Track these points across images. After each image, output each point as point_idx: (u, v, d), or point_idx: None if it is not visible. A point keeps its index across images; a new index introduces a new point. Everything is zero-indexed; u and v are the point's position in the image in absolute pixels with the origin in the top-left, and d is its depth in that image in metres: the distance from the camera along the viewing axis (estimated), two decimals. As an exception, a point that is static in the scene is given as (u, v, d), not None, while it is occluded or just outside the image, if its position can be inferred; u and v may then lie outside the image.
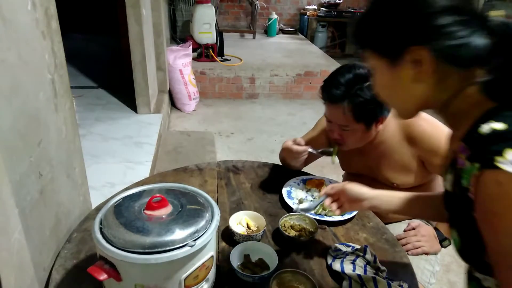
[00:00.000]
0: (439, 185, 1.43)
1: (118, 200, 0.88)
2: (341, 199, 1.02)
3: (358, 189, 1.00)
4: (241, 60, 4.71)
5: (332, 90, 1.17)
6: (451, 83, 0.65)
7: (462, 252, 0.70)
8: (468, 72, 0.64)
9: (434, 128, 1.21)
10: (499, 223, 0.57)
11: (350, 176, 1.50)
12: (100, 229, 0.80)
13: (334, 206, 1.02)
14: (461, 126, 0.65)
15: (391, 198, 0.99)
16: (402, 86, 0.69)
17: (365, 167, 1.39)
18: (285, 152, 1.34)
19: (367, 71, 1.15)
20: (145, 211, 0.82)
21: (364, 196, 0.99)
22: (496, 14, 0.64)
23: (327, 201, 1.03)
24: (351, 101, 1.14)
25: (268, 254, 1.00)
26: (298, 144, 1.28)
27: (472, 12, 0.62)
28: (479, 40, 0.61)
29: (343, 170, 1.55)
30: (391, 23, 0.66)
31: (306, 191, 1.34)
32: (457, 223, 0.69)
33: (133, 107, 3.14)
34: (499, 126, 0.57)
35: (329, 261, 1.02)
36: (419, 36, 0.63)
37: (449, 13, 0.61)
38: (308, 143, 1.46)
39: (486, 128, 0.58)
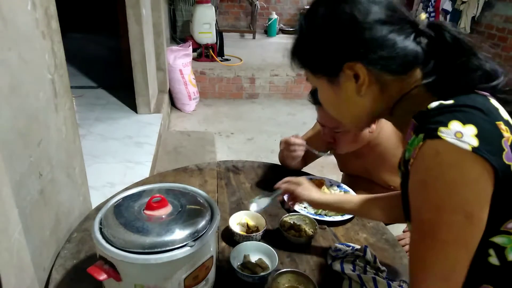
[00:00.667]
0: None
1: (118, 200, 0.88)
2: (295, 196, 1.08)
3: (308, 195, 1.04)
4: (241, 60, 4.71)
5: None
6: (394, 89, 0.66)
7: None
8: (408, 75, 0.65)
9: None
10: (426, 194, 0.56)
11: (348, 177, 1.51)
12: (100, 229, 0.80)
13: (290, 202, 1.11)
14: (410, 126, 0.65)
15: (342, 205, 1.02)
16: (347, 100, 0.69)
17: (362, 169, 1.39)
18: (284, 146, 1.34)
19: None
20: (145, 211, 0.82)
21: (313, 202, 1.05)
22: (424, 18, 0.65)
23: (283, 197, 1.12)
24: None
25: (268, 254, 1.00)
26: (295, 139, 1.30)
27: (402, 20, 0.64)
28: (411, 46, 0.63)
29: (341, 171, 1.56)
30: (324, 43, 0.67)
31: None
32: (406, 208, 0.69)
33: (133, 107, 3.14)
34: (447, 102, 0.58)
35: (329, 261, 1.02)
36: (352, 52, 0.64)
37: (378, 25, 0.62)
38: (308, 142, 1.46)
39: (434, 103, 0.59)
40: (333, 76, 0.68)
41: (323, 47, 0.67)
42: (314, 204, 1.06)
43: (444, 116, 0.56)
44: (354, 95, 0.67)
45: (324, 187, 1.35)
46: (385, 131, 1.27)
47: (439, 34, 0.64)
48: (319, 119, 1.29)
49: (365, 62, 0.63)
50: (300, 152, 1.33)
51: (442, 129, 0.54)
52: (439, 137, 0.54)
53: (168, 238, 0.76)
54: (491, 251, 0.60)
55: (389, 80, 0.65)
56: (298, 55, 0.73)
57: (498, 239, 0.58)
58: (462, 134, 0.53)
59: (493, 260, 0.60)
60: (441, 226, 0.55)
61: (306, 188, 1.05)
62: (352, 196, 1.06)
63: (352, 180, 1.46)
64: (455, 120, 0.54)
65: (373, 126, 1.24)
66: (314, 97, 1.21)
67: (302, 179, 1.08)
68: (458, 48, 0.63)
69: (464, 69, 0.62)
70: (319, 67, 0.70)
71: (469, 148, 0.52)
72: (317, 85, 0.74)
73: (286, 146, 1.32)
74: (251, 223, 1.13)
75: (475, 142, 0.52)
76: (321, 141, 1.43)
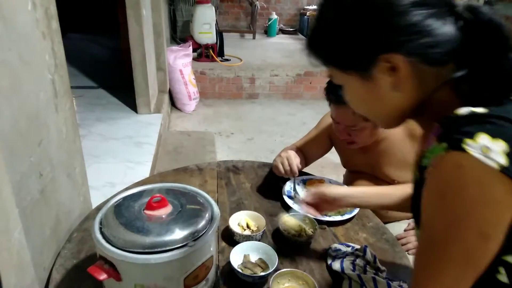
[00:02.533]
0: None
1: (118, 200, 0.88)
2: (320, 204, 1.04)
3: (336, 190, 1.02)
4: (241, 60, 4.71)
5: (338, 92, 1.16)
6: (428, 84, 0.60)
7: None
8: (443, 69, 0.58)
9: None
10: (442, 206, 0.52)
11: (351, 174, 1.51)
12: (100, 229, 0.80)
13: (312, 211, 1.05)
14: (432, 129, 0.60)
15: (370, 195, 1.02)
16: (381, 97, 0.62)
17: (366, 164, 1.39)
18: (281, 158, 1.32)
19: None
20: (145, 211, 0.82)
21: (343, 195, 1.02)
22: None
23: (305, 207, 1.06)
24: None
25: (268, 254, 1.00)
26: (290, 163, 1.27)
27: (439, 2, 0.57)
28: (452, 31, 0.56)
29: (344, 167, 1.55)
30: (354, 34, 0.59)
31: (306, 191, 1.34)
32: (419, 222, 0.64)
33: (133, 107, 3.14)
34: (479, 110, 0.53)
35: (329, 261, 1.02)
36: (388, 41, 0.57)
37: (416, 9, 0.55)
38: (310, 142, 1.47)
39: (464, 110, 0.53)
40: (366, 71, 0.60)
41: (354, 38, 0.59)
42: (348, 199, 1.01)
43: (472, 126, 0.50)
44: (390, 90, 0.60)
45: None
46: None
47: (478, 18, 0.56)
48: (334, 117, 1.26)
49: (404, 52, 0.56)
50: (285, 174, 1.30)
51: (468, 141, 0.49)
52: (463, 150, 0.49)
53: (168, 238, 0.76)
54: (501, 269, 0.56)
55: (427, 72, 0.58)
56: (321, 49, 0.65)
57: (511, 258, 0.55)
58: (489, 149, 0.48)
59: (502, 278, 0.56)
60: (453, 241, 0.52)
61: (332, 187, 1.03)
62: (387, 189, 1.03)
63: (355, 176, 1.46)
64: (484, 132, 0.49)
65: None
66: (334, 95, 1.18)
67: (324, 187, 1.05)
68: (497, 37, 0.55)
69: (501, 66, 0.55)
70: (349, 62, 0.62)
71: (496, 166, 0.47)
72: (345, 83, 0.66)
73: (283, 159, 1.30)
74: (251, 223, 1.13)
75: (504, 161, 0.47)
76: (328, 137, 1.44)
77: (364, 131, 1.22)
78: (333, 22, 0.61)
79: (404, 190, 0.99)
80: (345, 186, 1.02)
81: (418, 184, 0.60)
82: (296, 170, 1.27)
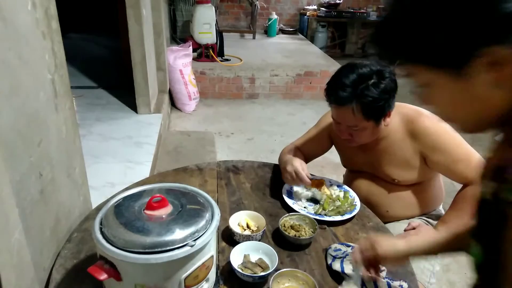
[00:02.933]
0: (439, 183, 1.44)
1: (118, 200, 0.88)
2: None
3: (390, 246, 0.86)
4: (241, 60, 4.70)
5: (338, 93, 1.16)
6: None
7: (482, 270, 0.58)
8: None
9: (437, 125, 1.22)
10: None
11: (351, 173, 1.51)
12: (100, 229, 0.80)
13: (372, 273, 0.91)
14: None
15: (428, 244, 0.86)
16: (477, 97, 0.53)
17: (366, 163, 1.39)
18: (288, 172, 1.30)
19: (369, 69, 1.15)
20: (145, 211, 0.82)
21: (400, 252, 0.87)
22: None
23: (363, 272, 0.92)
24: (359, 102, 1.14)
25: (268, 254, 1.00)
26: (300, 177, 1.25)
27: None
28: None
29: (344, 167, 1.55)
30: (450, 26, 0.50)
31: (306, 191, 1.34)
32: (484, 236, 0.56)
33: (133, 107, 3.14)
34: None
35: (329, 261, 1.02)
36: (492, 32, 0.48)
37: None
38: (310, 141, 1.46)
39: None
40: (461, 68, 0.51)
41: (450, 29, 0.50)
42: (401, 257, 0.88)
43: None
44: (489, 89, 0.52)
45: (324, 187, 1.35)
46: (392, 124, 1.27)
47: None
48: (336, 117, 1.25)
49: (508, 43, 0.47)
50: (297, 184, 1.30)
51: None
52: None
53: (168, 238, 0.76)
54: None
55: None
56: (404, 44, 0.55)
57: None
58: None
59: None
60: None
61: (383, 241, 0.87)
62: (434, 237, 0.88)
63: (355, 175, 1.46)
64: None
65: (388, 119, 1.22)
66: (335, 96, 1.17)
67: (374, 240, 0.89)
68: None
69: None
70: (442, 58, 0.52)
71: None
72: (431, 82, 0.57)
73: (290, 174, 1.28)
74: (251, 223, 1.13)
75: None
76: (328, 137, 1.44)
77: (365, 131, 1.21)
78: (422, 10, 0.51)
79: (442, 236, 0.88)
80: (397, 240, 0.90)
81: (491, 214, 0.52)
82: (308, 181, 1.25)
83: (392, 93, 1.17)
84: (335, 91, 1.17)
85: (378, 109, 1.16)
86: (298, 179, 1.26)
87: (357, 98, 1.14)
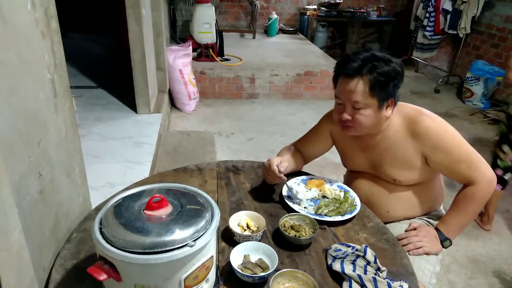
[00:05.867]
0: (440, 183, 1.43)
1: (118, 200, 0.88)
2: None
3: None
4: (241, 60, 4.70)
5: (350, 63, 1.19)
6: None
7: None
8: None
9: (438, 125, 1.22)
10: None
11: (351, 173, 1.50)
12: (100, 229, 0.80)
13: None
14: None
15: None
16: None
17: (367, 163, 1.39)
18: (265, 169, 1.33)
19: (382, 54, 1.20)
20: (145, 211, 0.82)
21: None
22: None
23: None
24: (368, 72, 1.16)
25: (268, 254, 0.99)
26: (279, 170, 1.26)
27: None
28: None
29: (345, 167, 1.55)
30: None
31: (306, 191, 1.34)
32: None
33: (133, 107, 3.14)
34: None
35: (329, 261, 1.01)
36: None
37: None
38: (310, 140, 1.47)
39: None
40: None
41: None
42: None
43: None
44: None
45: (324, 187, 1.35)
46: (393, 123, 1.26)
47: None
48: (340, 92, 1.23)
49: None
50: (273, 181, 1.32)
51: None
52: None
53: (168, 238, 0.76)
54: None
55: None
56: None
57: None
58: None
59: None
60: None
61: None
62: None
63: (356, 175, 1.46)
64: None
65: (389, 111, 1.22)
66: (345, 66, 1.20)
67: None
68: None
69: None
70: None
71: None
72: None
73: (266, 169, 1.31)
74: (251, 223, 1.13)
75: None
76: (329, 137, 1.44)
77: (367, 111, 1.20)
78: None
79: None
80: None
81: None
82: (280, 175, 1.25)
83: (399, 78, 1.18)
84: (347, 62, 1.20)
85: (384, 86, 1.17)
86: (272, 174, 1.27)
87: (367, 70, 1.16)
